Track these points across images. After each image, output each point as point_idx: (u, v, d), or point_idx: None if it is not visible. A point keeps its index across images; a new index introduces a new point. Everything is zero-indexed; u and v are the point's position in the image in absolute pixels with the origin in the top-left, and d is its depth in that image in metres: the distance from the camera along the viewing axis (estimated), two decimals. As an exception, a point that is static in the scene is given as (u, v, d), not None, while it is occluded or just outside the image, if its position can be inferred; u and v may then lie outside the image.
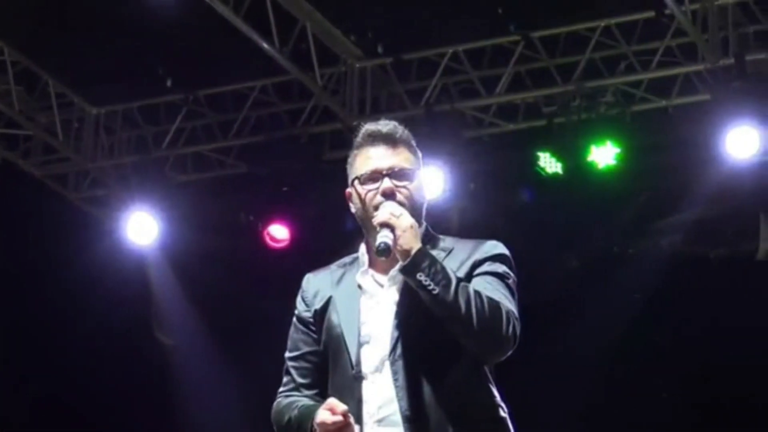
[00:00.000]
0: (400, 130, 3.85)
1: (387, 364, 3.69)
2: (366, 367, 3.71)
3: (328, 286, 3.89)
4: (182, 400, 10.26)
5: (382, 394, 3.66)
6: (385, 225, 3.67)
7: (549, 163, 9.04)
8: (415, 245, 3.63)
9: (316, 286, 3.92)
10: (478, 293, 3.60)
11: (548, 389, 8.81)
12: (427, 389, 3.63)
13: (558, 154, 9.03)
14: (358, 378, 3.71)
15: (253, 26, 8.85)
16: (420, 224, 3.78)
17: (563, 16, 9.13)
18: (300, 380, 3.89)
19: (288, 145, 9.69)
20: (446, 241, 3.84)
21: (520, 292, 3.81)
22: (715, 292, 9.09)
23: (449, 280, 3.58)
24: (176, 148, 10.29)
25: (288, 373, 3.92)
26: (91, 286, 9.87)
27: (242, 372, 10.08)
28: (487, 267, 3.74)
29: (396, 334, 3.68)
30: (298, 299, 3.96)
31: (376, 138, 3.83)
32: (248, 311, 10.02)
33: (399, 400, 3.63)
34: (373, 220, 3.71)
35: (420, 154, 3.90)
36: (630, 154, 8.85)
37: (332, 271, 3.92)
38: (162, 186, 10.07)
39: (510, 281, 3.74)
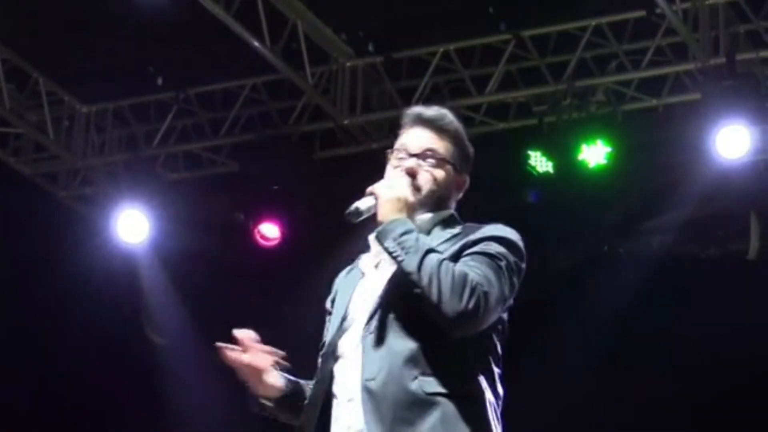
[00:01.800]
0: (446, 119, 3.85)
1: (359, 340, 3.64)
2: (343, 347, 3.68)
3: (342, 277, 3.90)
4: (173, 400, 10.24)
5: (354, 373, 3.61)
6: (370, 192, 3.69)
7: (540, 162, 9.02)
8: (393, 215, 3.61)
9: (338, 279, 3.94)
10: (446, 264, 3.53)
11: (537, 389, 8.81)
12: (391, 361, 3.54)
13: (549, 153, 9.01)
14: (334, 357, 3.67)
15: (244, 25, 8.86)
16: (434, 210, 3.77)
17: (554, 15, 9.12)
18: None
19: (279, 143, 9.68)
20: (464, 227, 3.77)
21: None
22: (706, 292, 9.03)
23: (417, 249, 3.53)
24: (167, 147, 10.27)
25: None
26: (82, 284, 9.85)
27: (233, 371, 10.08)
28: (476, 247, 3.65)
29: (372, 310, 3.64)
30: (330, 303, 3.95)
31: (416, 119, 3.85)
32: (239, 310, 10.02)
33: (362, 373, 3.57)
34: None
35: (468, 151, 3.88)
36: (621, 153, 8.83)
37: (355, 260, 3.91)
38: (153, 184, 10.03)
39: (502, 263, 3.62)
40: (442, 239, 3.70)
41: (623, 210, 9.32)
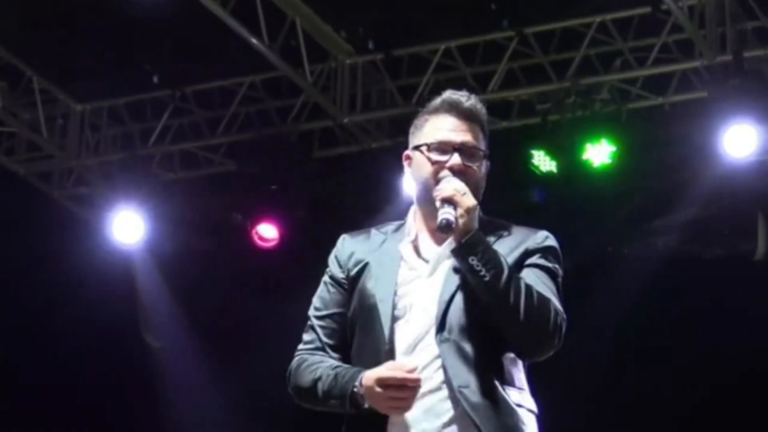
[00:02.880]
0: (480, 107, 3.76)
1: (420, 344, 3.59)
2: (399, 345, 3.61)
3: (366, 250, 3.75)
4: (170, 404, 10.23)
5: (434, 375, 3.57)
6: (449, 201, 3.58)
7: (543, 162, 9.03)
8: (474, 227, 3.56)
9: (351, 247, 3.79)
10: (528, 286, 3.53)
11: (541, 395, 8.79)
12: (478, 372, 3.54)
13: (552, 152, 9.01)
14: (390, 355, 3.59)
15: (242, 21, 8.82)
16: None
17: (558, 11, 9.12)
18: (326, 340, 3.76)
19: (277, 142, 9.65)
20: (498, 226, 3.74)
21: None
22: (712, 294, 9.04)
23: (502, 268, 3.51)
24: (163, 146, 10.23)
25: (313, 331, 3.78)
26: (76, 286, 9.83)
27: (232, 374, 10.05)
28: (537, 259, 3.65)
29: (441, 313, 3.58)
30: (331, 259, 3.82)
31: (455, 108, 3.73)
32: (237, 312, 10.00)
33: (451, 379, 3.52)
34: (435, 193, 3.62)
35: (487, 142, 3.81)
36: (625, 152, 8.82)
37: (372, 234, 3.80)
38: (148, 184, 10.00)
39: (559, 279, 3.67)
40: (492, 243, 3.64)
41: (628, 210, 9.33)
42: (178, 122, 10.21)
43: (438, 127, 3.72)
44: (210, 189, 10.23)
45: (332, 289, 3.78)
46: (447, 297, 3.60)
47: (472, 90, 9.75)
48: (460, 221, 3.55)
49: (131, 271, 10.20)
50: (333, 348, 3.75)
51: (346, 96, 9.62)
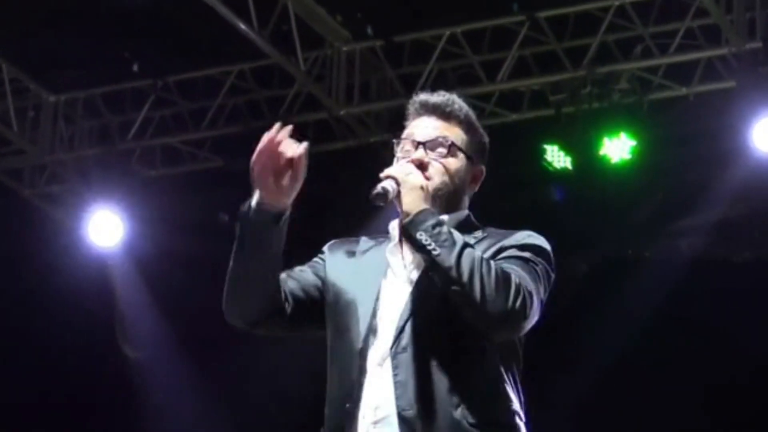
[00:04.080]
0: (454, 104, 3.87)
1: (388, 359, 3.61)
2: (371, 356, 3.64)
3: (352, 257, 3.86)
4: (149, 419, 10.26)
5: (381, 392, 3.58)
6: (390, 177, 3.67)
7: (557, 158, 9.08)
8: (421, 204, 3.61)
9: (339, 250, 3.89)
10: (486, 261, 3.54)
11: (557, 409, 8.85)
12: (431, 388, 3.54)
13: (567, 147, 9.07)
14: (361, 368, 3.63)
15: (229, 5, 8.85)
16: (454, 208, 3.79)
17: (573, -7, 9.19)
18: (294, 274, 3.83)
19: (268, 136, 9.69)
20: (485, 231, 3.80)
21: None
22: (741, 301, 9.10)
23: (454, 242, 3.53)
24: (144, 140, 10.28)
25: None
26: (49, 293, 9.85)
27: (216, 388, 10.09)
28: (512, 252, 3.68)
29: (403, 321, 3.62)
30: (324, 255, 3.91)
31: (423, 108, 3.88)
32: (223, 322, 10.02)
33: (397, 399, 3.54)
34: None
35: (483, 139, 3.91)
36: (646, 147, 8.88)
37: (362, 241, 3.91)
38: (128, 182, 10.09)
39: (539, 267, 3.65)
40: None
41: (649, 210, 9.34)
42: (159, 114, 10.25)
43: (410, 127, 3.89)
44: (194, 187, 10.26)
45: (311, 271, 3.86)
46: (414, 303, 3.64)
47: (478, 80, 9.76)
48: (404, 200, 3.61)
49: (108, 276, 10.25)
50: (296, 287, 3.80)
51: (343, 86, 9.66)
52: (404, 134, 3.88)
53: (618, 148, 8.91)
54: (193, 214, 10.15)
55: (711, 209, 9.18)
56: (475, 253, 3.56)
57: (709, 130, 8.84)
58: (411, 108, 3.92)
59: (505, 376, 3.66)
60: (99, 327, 10.32)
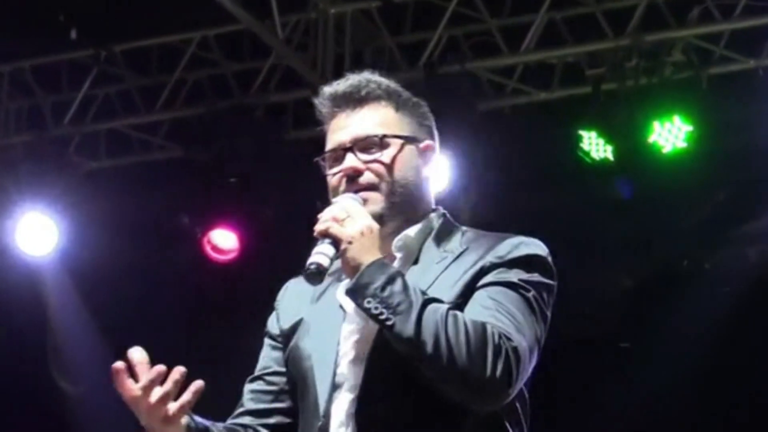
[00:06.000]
0: (369, 83, 3.86)
1: (353, 417, 3.66)
2: (334, 417, 3.69)
3: (305, 302, 3.88)
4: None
5: None
6: (325, 236, 3.65)
7: (595, 146, 9.05)
8: (366, 259, 3.60)
9: (292, 297, 3.94)
10: (453, 318, 3.51)
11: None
12: None
13: (607, 133, 9.05)
14: (324, 429, 3.69)
15: (189, -44, 8.86)
16: (416, 212, 3.80)
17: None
18: (251, 406, 3.92)
19: (237, 119, 9.65)
20: (465, 238, 3.80)
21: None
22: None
23: (410, 305, 3.51)
24: (84, 125, 10.29)
25: (241, 398, 3.95)
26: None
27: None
28: (495, 276, 3.66)
29: (364, 376, 3.66)
30: (273, 314, 3.98)
31: (335, 102, 3.86)
32: (182, 344, 9.98)
33: None
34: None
35: (419, 107, 3.90)
36: (706, 133, 8.87)
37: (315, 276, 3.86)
38: (64, 176, 10.07)
39: (530, 293, 3.65)
40: (440, 265, 3.70)
41: (709, 211, 9.32)
42: (103, 93, 10.30)
43: (329, 131, 3.87)
44: (146, 182, 10.28)
45: (270, 345, 3.96)
46: (376, 354, 3.66)
47: (498, 50, 9.72)
48: (347, 255, 3.61)
49: (40, 291, 10.25)
50: (259, 414, 3.90)
51: (330, 57, 9.64)
52: (327, 145, 3.84)
53: (671, 134, 8.89)
54: (144, 215, 10.17)
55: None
56: (439, 310, 3.52)
57: (782, 112, 8.78)
58: (321, 108, 3.88)
59: (507, 425, 3.69)
60: (28, 354, 10.31)
